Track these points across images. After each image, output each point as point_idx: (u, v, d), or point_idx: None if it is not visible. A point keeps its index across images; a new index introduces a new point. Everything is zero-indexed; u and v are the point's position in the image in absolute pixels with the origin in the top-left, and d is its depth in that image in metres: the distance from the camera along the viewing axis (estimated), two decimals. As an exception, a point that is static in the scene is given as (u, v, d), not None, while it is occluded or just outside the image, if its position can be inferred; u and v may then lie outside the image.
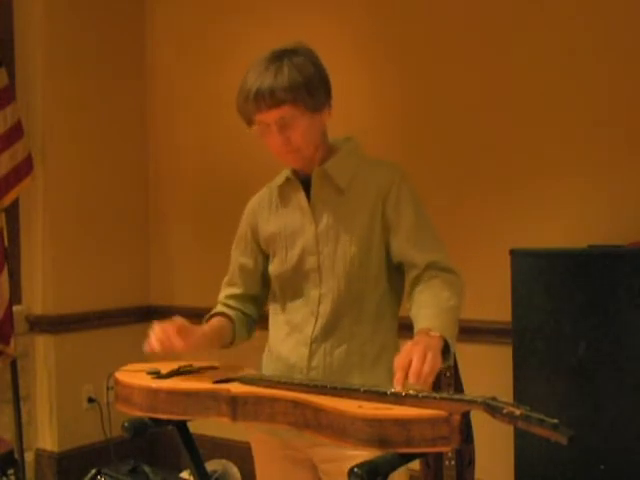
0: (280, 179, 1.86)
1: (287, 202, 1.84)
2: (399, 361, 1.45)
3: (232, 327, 1.89)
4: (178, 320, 1.72)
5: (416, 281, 1.71)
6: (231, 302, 1.94)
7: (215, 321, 1.89)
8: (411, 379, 1.41)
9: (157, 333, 1.69)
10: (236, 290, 1.95)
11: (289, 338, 1.80)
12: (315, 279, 1.77)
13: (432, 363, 1.44)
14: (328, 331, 1.75)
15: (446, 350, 1.55)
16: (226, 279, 2.00)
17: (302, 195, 1.80)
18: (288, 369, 1.78)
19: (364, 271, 1.74)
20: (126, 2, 4.15)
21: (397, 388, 1.40)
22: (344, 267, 1.74)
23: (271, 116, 1.68)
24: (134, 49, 4.19)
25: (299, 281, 1.79)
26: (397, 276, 1.78)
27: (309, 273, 1.77)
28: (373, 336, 1.76)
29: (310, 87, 1.69)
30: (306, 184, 1.80)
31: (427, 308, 1.63)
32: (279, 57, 1.70)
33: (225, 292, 1.97)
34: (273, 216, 1.86)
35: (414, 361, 1.43)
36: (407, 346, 1.48)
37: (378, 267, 1.76)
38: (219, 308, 1.94)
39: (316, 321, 1.76)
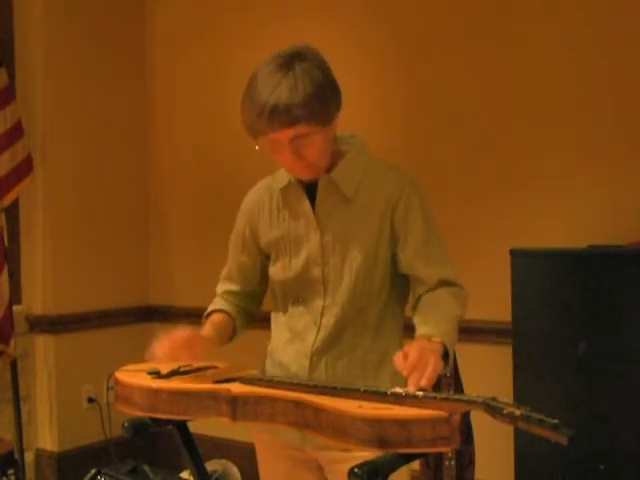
0: (282, 182, 1.78)
1: (290, 207, 1.77)
2: (409, 362, 1.43)
3: (232, 324, 1.88)
4: (185, 331, 1.69)
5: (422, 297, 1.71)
6: (229, 297, 1.93)
7: (216, 319, 1.87)
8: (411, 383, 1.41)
9: (164, 346, 1.66)
10: (234, 287, 1.93)
11: (290, 345, 1.78)
12: (319, 290, 1.74)
13: (434, 364, 1.44)
14: (329, 343, 1.73)
15: (445, 356, 1.55)
16: (224, 273, 1.96)
17: (306, 204, 1.73)
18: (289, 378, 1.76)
19: (369, 283, 1.72)
20: (126, 2, 4.15)
21: (411, 389, 1.39)
22: (349, 281, 1.70)
23: (285, 135, 1.60)
24: (134, 49, 4.19)
25: (302, 289, 1.76)
26: (400, 280, 1.76)
27: (313, 283, 1.74)
28: (374, 344, 1.74)
29: (322, 99, 1.60)
30: (309, 187, 1.74)
31: (430, 316, 1.64)
32: (288, 66, 1.59)
33: (223, 287, 1.95)
34: (275, 220, 1.80)
35: (416, 362, 1.43)
36: (408, 348, 1.48)
37: (382, 277, 1.73)
38: (218, 303, 1.92)
39: (318, 332, 1.73)
